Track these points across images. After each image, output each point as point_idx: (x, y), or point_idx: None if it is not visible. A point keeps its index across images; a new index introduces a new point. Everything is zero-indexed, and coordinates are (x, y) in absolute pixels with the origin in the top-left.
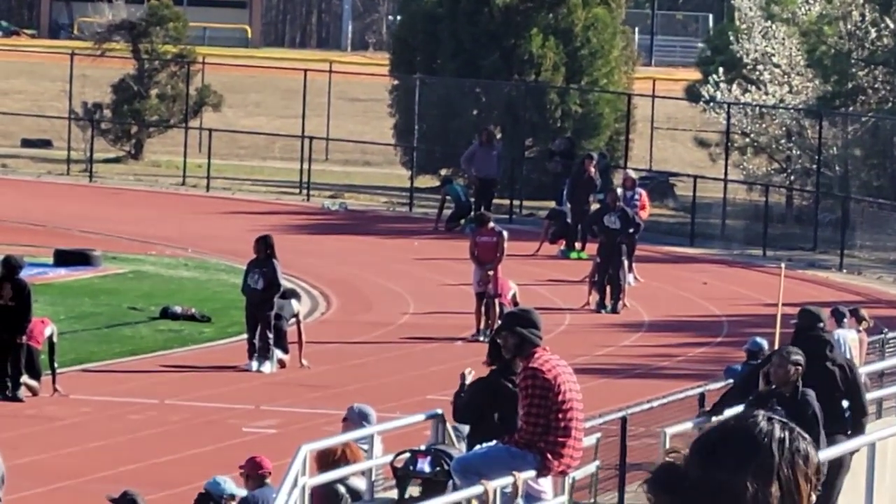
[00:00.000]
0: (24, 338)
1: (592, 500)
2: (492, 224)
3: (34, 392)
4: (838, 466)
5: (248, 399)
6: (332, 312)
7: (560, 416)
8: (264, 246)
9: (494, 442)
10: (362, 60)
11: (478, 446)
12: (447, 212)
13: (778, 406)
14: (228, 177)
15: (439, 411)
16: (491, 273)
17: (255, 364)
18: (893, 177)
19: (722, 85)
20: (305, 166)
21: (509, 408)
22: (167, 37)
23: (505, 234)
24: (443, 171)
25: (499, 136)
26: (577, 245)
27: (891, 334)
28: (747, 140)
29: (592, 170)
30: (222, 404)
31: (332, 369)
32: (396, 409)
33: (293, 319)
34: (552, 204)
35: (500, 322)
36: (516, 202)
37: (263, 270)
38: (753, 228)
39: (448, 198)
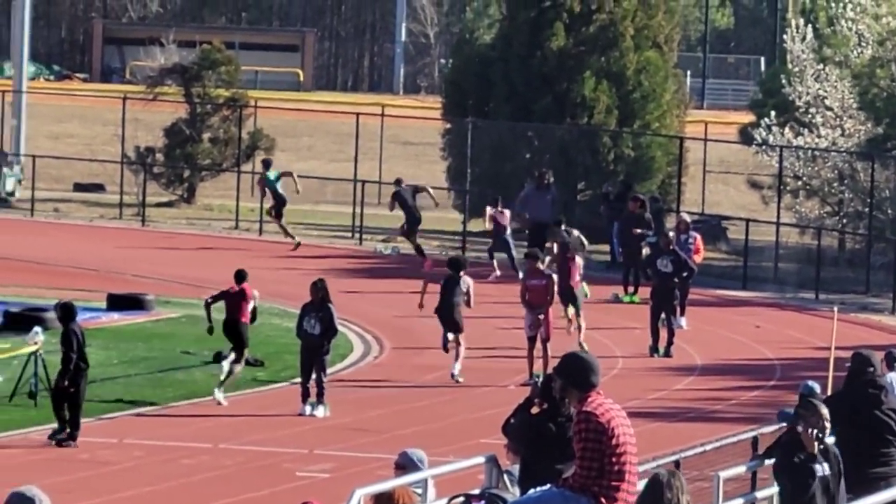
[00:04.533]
0: (66, 383)
1: None
2: (542, 267)
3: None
4: None
5: (302, 443)
6: (385, 356)
7: (614, 459)
8: (319, 290)
9: (548, 486)
10: (414, 104)
11: (531, 490)
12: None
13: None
14: None
15: (493, 455)
16: (542, 317)
17: (308, 408)
18: None
19: (774, 128)
20: (358, 210)
21: (553, 449)
22: (219, 80)
23: (555, 277)
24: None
25: (551, 179)
26: (630, 289)
27: None
28: (800, 183)
29: (636, 209)
30: (276, 448)
31: (385, 413)
32: (450, 453)
33: None
34: (605, 248)
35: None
36: None
37: (319, 315)
38: (806, 272)
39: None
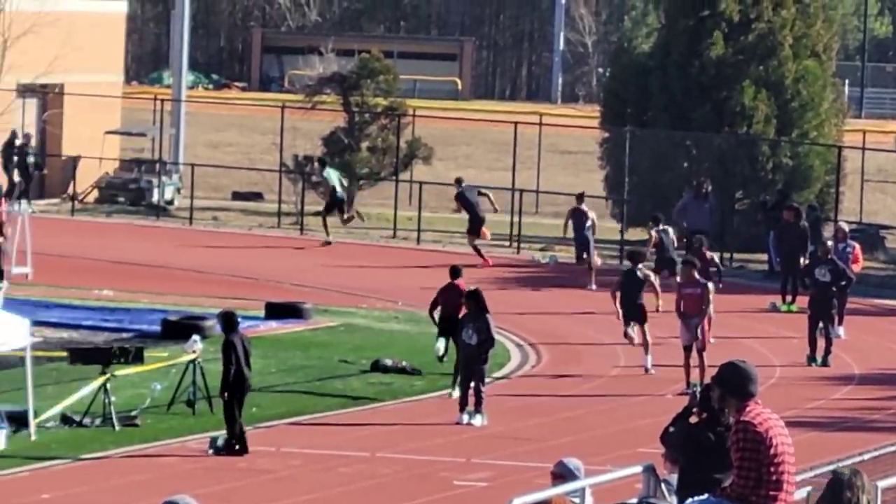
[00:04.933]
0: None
1: None
2: (697, 275)
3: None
4: None
5: (460, 452)
6: (543, 365)
7: (772, 469)
8: (474, 300)
9: (706, 496)
10: (572, 113)
11: (689, 500)
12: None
13: None
14: (438, 229)
15: (650, 464)
16: (697, 326)
17: (465, 417)
18: None
19: None
20: (516, 219)
21: (712, 459)
22: (378, 89)
23: (710, 286)
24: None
25: (709, 188)
26: (787, 298)
27: None
28: None
29: (791, 218)
30: (433, 457)
31: (542, 422)
32: (607, 463)
33: None
34: (763, 257)
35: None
36: (726, 255)
37: (477, 325)
38: None
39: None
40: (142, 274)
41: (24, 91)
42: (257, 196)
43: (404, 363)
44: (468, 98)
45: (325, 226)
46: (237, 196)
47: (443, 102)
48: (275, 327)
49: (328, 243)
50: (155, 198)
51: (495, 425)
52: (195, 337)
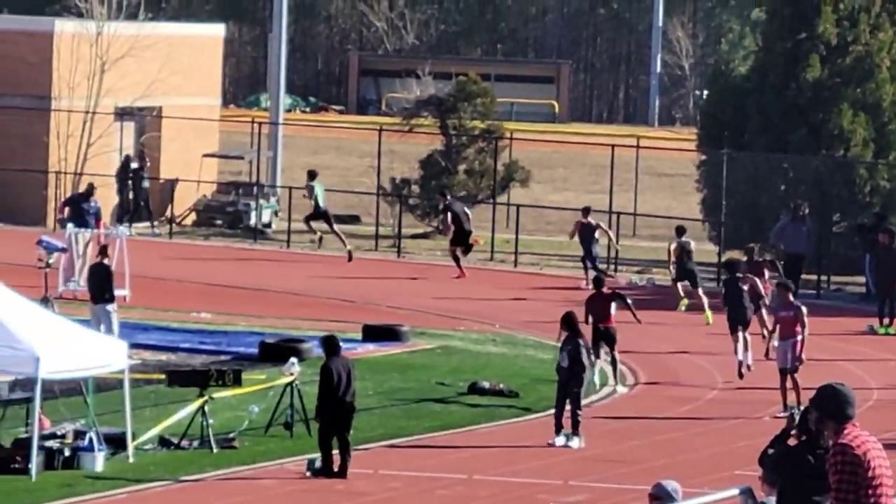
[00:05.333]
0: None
1: None
2: (791, 298)
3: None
4: None
5: (557, 474)
6: (639, 387)
7: (870, 492)
8: (567, 323)
9: None
10: (669, 135)
11: None
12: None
13: None
14: (536, 252)
15: (748, 487)
16: (792, 348)
17: (562, 439)
18: None
19: None
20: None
21: (811, 481)
22: (475, 112)
23: (804, 309)
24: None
25: (807, 211)
26: (885, 321)
27: None
28: None
29: (886, 241)
30: (530, 479)
31: (639, 445)
32: (704, 485)
33: None
34: (861, 279)
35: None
36: (823, 277)
37: (569, 348)
38: None
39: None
40: (239, 297)
41: (123, 114)
42: (354, 219)
43: (501, 385)
44: (565, 121)
45: (310, 227)
46: (335, 219)
47: (540, 125)
48: (372, 350)
49: (319, 240)
50: (252, 221)
51: (592, 447)
52: (293, 360)
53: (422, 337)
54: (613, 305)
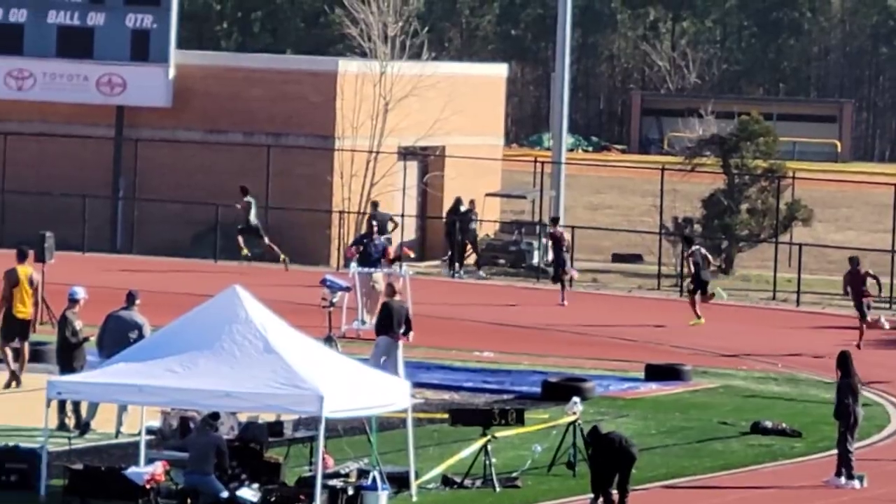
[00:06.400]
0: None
1: None
2: None
3: None
4: None
5: None
6: None
7: None
8: (840, 363)
9: None
10: None
11: None
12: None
13: None
14: (818, 291)
15: None
16: None
17: (842, 480)
18: None
19: None
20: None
21: None
22: (757, 151)
23: None
24: None
25: None
26: None
27: None
28: None
29: None
30: None
31: None
32: None
33: None
34: None
35: None
36: None
37: (838, 386)
38: None
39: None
40: (522, 335)
41: (406, 154)
42: (637, 258)
43: (784, 425)
44: (848, 160)
45: (238, 244)
46: (617, 258)
47: (822, 164)
48: (654, 389)
49: (248, 258)
50: (535, 260)
51: (875, 488)
52: (575, 399)
53: (704, 376)
54: None
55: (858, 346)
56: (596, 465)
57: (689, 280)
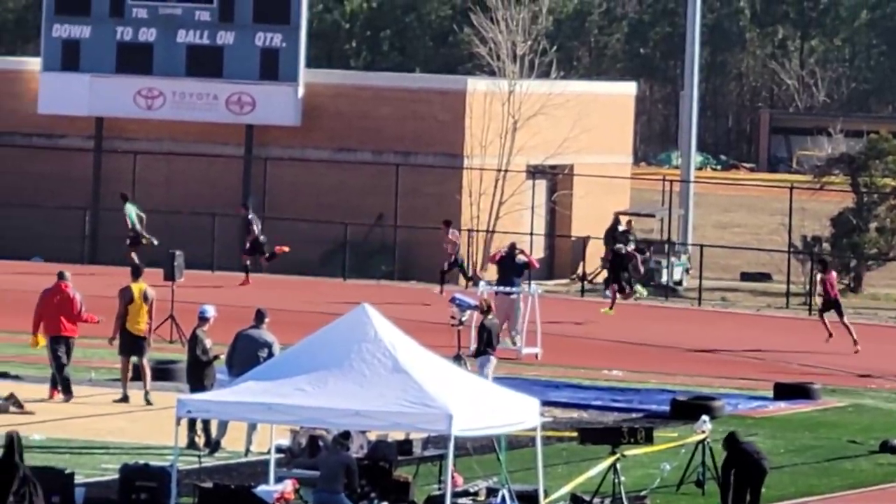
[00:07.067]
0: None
1: None
2: None
3: None
4: None
5: None
6: None
7: None
8: None
9: None
10: None
11: None
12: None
13: None
14: None
15: None
16: None
17: None
18: None
19: None
20: None
21: None
22: (886, 170)
23: None
24: None
25: None
26: None
27: None
28: None
29: None
30: None
31: None
32: None
33: None
34: None
35: None
36: None
37: None
38: None
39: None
40: (651, 354)
41: (534, 172)
42: (766, 277)
43: None
44: None
45: (131, 257)
46: (746, 277)
47: None
48: (783, 408)
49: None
50: (664, 278)
51: None
52: (704, 417)
53: (833, 395)
54: None
55: None
56: (726, 474)
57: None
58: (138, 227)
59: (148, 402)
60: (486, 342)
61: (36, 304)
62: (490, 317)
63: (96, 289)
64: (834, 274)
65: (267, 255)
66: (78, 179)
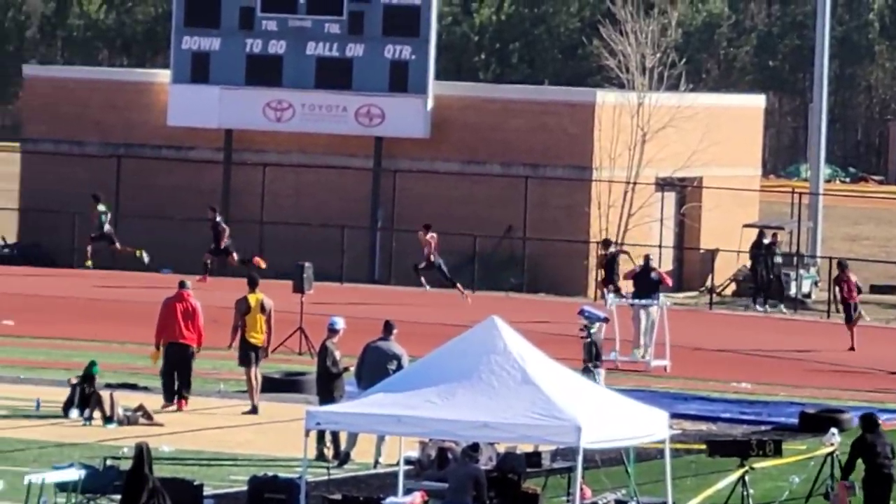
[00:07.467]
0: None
1: None
2: None
3: None
4: None
5: None
6: None
7: None
8: None
9: None
10: None
11: None
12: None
13: None
14: None
15: None
16: None
17: None
18: None
19: None
20: None
21: None
22: None
23: None
24: None
25: None
26: None
27: None
28: None
29: None
30: None
31: None
32: None
33: None
34: None
35: None
36: None
37: None
38: None
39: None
40: (779, 366)
41: (663, 184)
42: (894, 289)
43: None
44: None
45: (87, 252)
46: (875, 289)
47: None
48: None
49: (89, 267)
50: (793, 291)
51: None
52: (833, 430)
53: None
54: None
55: None
56: (853, 454)
57: None
58: (107, 227)
59: (254, 410)
60: (596, 356)
61: (158, 313)
62: (593, 330)
63: (224, 301)
64: (854, 277)
65: (238, 259)
66: (207, 191)
